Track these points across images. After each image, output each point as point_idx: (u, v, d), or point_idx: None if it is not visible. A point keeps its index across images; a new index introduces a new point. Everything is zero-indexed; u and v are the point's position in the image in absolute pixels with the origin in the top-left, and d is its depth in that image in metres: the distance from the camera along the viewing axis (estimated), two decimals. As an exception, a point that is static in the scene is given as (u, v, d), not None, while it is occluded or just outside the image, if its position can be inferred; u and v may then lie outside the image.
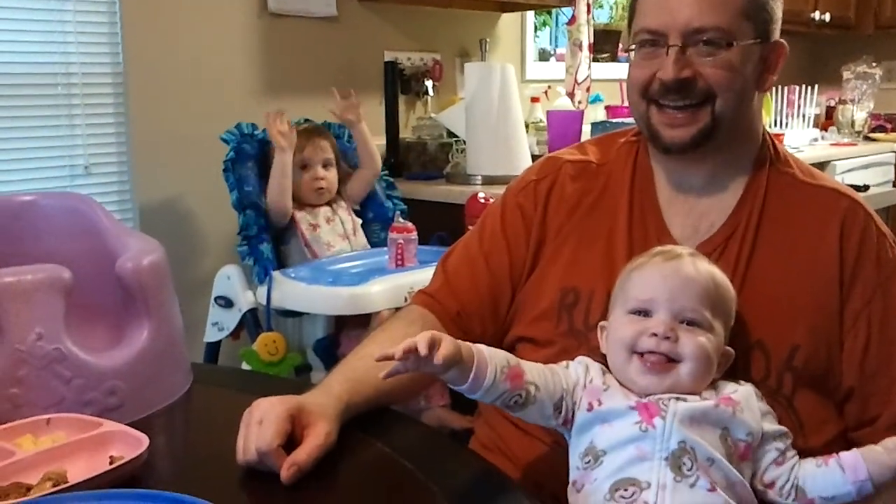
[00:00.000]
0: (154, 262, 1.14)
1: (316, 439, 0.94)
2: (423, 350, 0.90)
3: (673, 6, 1.08)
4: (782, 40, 1.15)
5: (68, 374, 1.03)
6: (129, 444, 0.93)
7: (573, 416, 1.01)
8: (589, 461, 0.97)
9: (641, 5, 1.14)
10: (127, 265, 1.11)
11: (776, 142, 1.22)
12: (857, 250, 1.11)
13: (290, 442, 0.94)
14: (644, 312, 1.01)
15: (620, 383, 1.01)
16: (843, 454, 0.99)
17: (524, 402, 0.98)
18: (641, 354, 0.99)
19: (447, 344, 0.92)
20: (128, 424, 0.99)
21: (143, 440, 0.93)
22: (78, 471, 0.90)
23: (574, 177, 1.23)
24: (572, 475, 1.00)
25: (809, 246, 1.12)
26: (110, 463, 0.90)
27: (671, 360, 0.98)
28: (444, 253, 1.30)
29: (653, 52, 1.11)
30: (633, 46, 1.15)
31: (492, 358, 0.96)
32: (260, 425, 0.93)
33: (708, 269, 1.03)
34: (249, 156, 2.24)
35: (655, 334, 0.98)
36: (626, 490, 0.94)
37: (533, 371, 0.99)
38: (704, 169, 1.16)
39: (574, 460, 1.00)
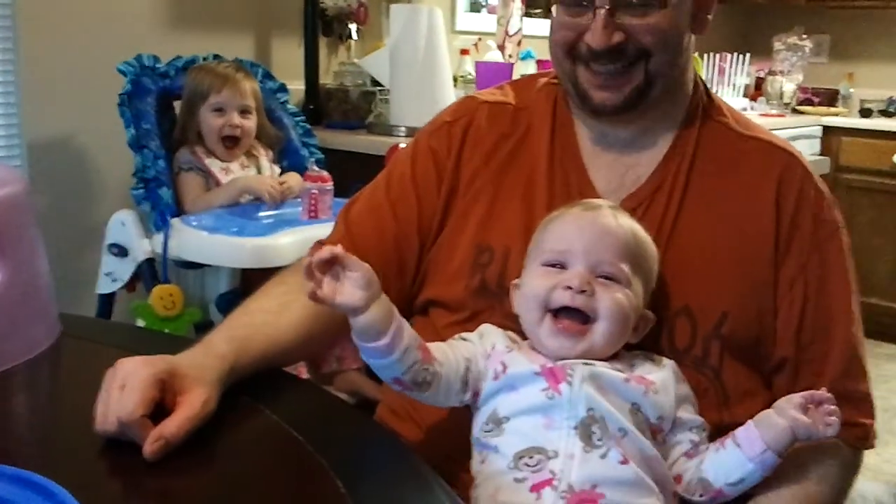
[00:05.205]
0: (11, 196, 1.01)
1: (189, 409, 0.82)
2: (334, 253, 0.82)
3: None
4: None
5: None
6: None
7: (481, 388, 0.95)
8: (491, 428, 0.93)
9: None
10: (-24, 198, 0.97)
11: (709, 90, 1.14)
12: (794, 209, 1.04)
13: (162, 410, 0.82)
14: (559, 265, 0.96)
15: (530, 346, 0.96)
16: (738, 430, 0.94)
17: (432, 379, 0.92)
18: (555, 315, 0.94)
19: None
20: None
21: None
22: None
23: (491, 119, 1.14)
24: (475, 447, 0.95)
25: (742, 203, 1.05)
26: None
27: (585, 322, 0.93)
28: (346, 202, 1.20)
29: (578, 11, 1.01)
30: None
31: (407, 324, 0.90)
32: (122, 391, 0.81)
33: (629, 223, 0.98)
34: (149, 90, 2.11)
35: (570, 287, 0.93)
36: (531, 458, 0.89)
37: (434, 349, 0.94)
38: (633, 126, 1.08)
39: (476, 431, 0.95)
